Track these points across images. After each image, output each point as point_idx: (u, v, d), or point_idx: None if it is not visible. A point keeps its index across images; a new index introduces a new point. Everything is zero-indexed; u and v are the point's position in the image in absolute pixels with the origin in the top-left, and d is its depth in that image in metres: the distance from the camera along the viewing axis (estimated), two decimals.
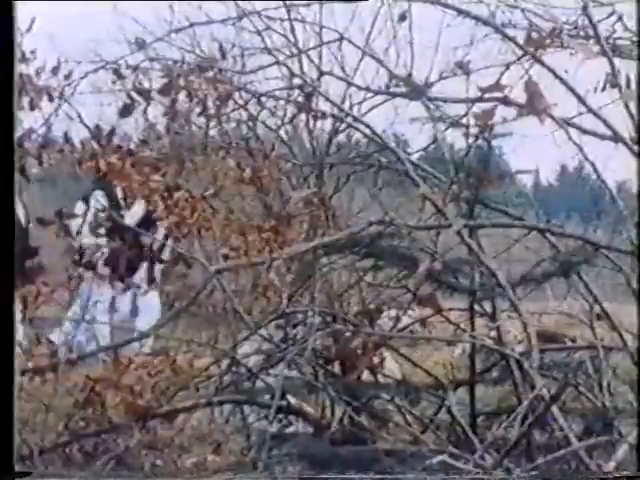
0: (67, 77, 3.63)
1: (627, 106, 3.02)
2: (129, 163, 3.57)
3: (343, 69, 6.64)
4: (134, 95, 3.74)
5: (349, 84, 5.30)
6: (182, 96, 3.75)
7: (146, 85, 3.76)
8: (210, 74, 3.76)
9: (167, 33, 4.24)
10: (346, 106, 6.55)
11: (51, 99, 3.57)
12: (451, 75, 5.18)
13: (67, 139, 3.84)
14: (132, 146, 4.12)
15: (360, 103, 6.92)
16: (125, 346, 3.40)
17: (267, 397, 3.25)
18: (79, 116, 4.39)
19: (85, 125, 4.48)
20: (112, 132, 3.61)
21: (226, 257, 3.30)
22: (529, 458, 2.92)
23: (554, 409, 2.71)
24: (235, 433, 3.36)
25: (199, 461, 3.12)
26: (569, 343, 3.76)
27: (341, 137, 6.88)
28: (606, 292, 3.77)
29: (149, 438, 3.12)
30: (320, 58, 6.76)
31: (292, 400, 3.25)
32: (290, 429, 3.38)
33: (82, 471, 3.04)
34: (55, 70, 3.57)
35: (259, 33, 5.38)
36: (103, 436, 3.18)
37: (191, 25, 4.82)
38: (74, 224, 4.70)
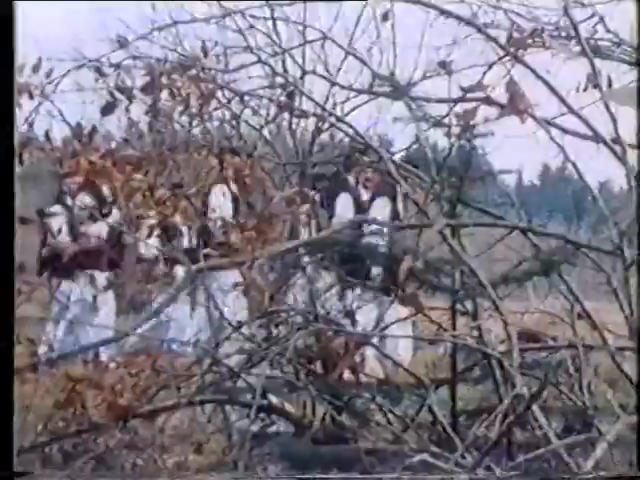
0: (48, 75, 3.61)
1: (607, 106, 3.04)
2: (110, 162, 3.55)
3: (327, 68, 6.65)
4: (116, 93, 3.73)
5: (332, 83, 5.30)
6: (165, 95, 3.73)
7: (129, 83, 3.74)
8: (193, 72, 3.74)
9: (150, 31, 4.22)
10: (330, 105, 6.57)
11: (31, 97, 3.55)
12: (434, 75, 5.20)
13: (48, 137, 3.81)
14: (114, 145, 4.10)
15: (343, 102, 6.93)
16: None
17: (249, 397, 3.23)
18: (61, 114, 4.36)
19: (67, 123, 4.45)
20: (93, 130, 3.59)
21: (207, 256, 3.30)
22: (510, 457, 2.93)
23: (534, 408, 2.71)
24: (217, 433, 3.35)
25: (180, 461, 3.11)
26: (551, 342, 3.76)
27: (325, 137, 6.89)
28: (587, 291, 3.79)
29: (129, 438, 3.10)
30: (304, 57, 6.77)
31: (274, 399, 3.24)
32: (272, 428, 3.37)
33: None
34: (36, 68, 3.55)
35: (241, 32, 5.37)
36: (83, 436, 3.16)
37: (174, 23, 4.80)
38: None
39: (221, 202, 5.23)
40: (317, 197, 5.56)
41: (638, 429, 2.66)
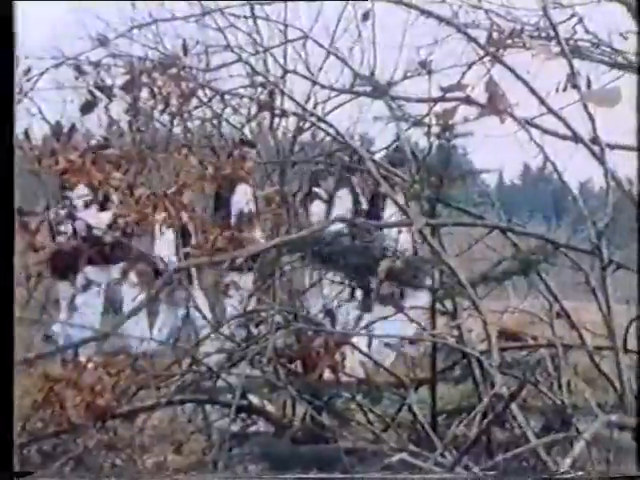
0: (26, 73, 3.59)
1: (586, 107, 3.05)
2: (90, 160, 3.53)
3: (308, 68, 6.65)
4: (96, 92, 3.71)
5: (313, 83, 5.30)
6: (145, 93, 3.72)
7: (109, 82, 3.73)
8: (173, 71, 3.73)
9: (129, 29, 4.20)
10: (311, 104, 6.57)
11: None
12: (415, 74, 5.21)
13: (27, 136, 3.79)
14: (94, 143, 4.08)
15: (325, 102, 6.94)
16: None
17: (229, 396, 3.22)
18: (40, 112, 4.33)
19: (46, 121, 4.42)
20: (72, 129, 3.57)
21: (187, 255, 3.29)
22: (489, 455, 2.94)
23: (513, 407, 2.72)
24: (197, 432, 3.34)
25: (159, 461, 3.09)
26: (531, 341, 3.78)
27: (307, 136, 6.89)
28: (567, 291, 3.81)
29: (108, 438, 3.09)
30: (285, 57, 6.78)
31: (254, 399, 3.23)
32: (253, 428, 3.36)
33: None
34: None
35: (221, 30, 5.36)
36: (62, 436, 3.14)
37: (155, 21, 4.78)
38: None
39: (243, 202, 5.27)
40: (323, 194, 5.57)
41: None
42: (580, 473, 2.48)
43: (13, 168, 2.65)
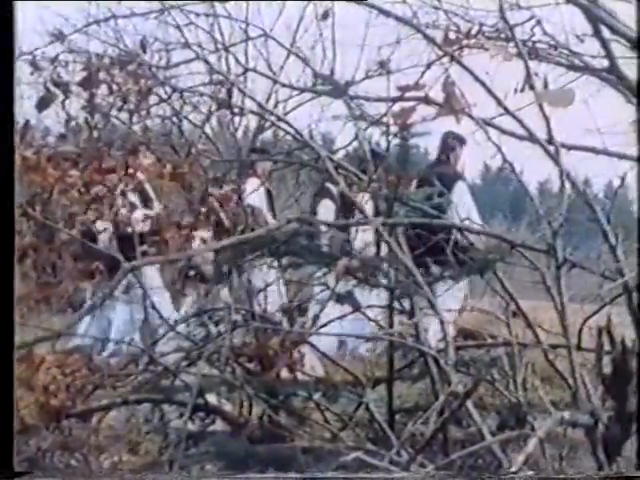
0: None
1: (541, 108, 3.08)
2: (45, 158, 3.48)
3: (269, 66, 6.62)
4: (52, 88, 3.66)
5: (274, 81, 5.29)
6: (104, 90, 3.68)
7: (66, 78, 3.68)
8: (131, 68, 3.70)
9: (87, 24, 4.15)
10: (272, 103, 6.56)
11: None
12: (376, 74, 5.23)
13: None
14: (51, 140, 4.03)
15: (286, 100, 6.92)
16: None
17: (187, 395, 3.20)
18: None
19: None
20: (27, 125, 3.52)
21: (145, 254, 3.26)
22: (445, 453, 2.95)
23: (469, 405, 2.73)
24: (154, 432, 3.31)
25: (114, 461, 3.06)
26: (490, 340, 3.80)
27: (269, 134, 6.88)
28: (526, 290, 3.84)
29: (62, 438, 3.05)
30: (246, 55, 6.76)
31: (210, 398, 3.21)
32: (211, 427, 3.34)
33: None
34: None
35: (179, 28, 5.32)
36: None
37: (113, 17, 4.73)
38: None
39: (254, 196, 5.17)
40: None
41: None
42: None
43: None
